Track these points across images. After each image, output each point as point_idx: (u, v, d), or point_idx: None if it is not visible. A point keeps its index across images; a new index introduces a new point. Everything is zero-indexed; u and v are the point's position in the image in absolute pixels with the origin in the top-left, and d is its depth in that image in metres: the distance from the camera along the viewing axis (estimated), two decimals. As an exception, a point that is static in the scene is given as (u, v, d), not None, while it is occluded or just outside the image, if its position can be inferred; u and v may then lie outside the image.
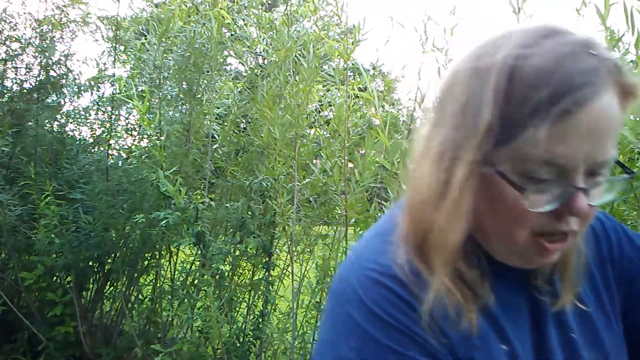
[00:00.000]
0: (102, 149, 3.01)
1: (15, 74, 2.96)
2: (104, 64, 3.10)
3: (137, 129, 3.07)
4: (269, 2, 3.10)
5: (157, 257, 2.93)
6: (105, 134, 2.97)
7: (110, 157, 2.84)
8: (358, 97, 2.37)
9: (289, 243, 2.58)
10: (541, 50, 0.44)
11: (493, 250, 0.52)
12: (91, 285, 3.00)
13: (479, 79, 0.46)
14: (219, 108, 3.01)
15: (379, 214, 2.48)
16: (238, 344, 2.48)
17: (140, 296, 3.01)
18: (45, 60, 2.94)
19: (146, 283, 3.05)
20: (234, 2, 2.90)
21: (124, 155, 3.01)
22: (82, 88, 3.07)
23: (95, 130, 3.12)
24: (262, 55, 3.20)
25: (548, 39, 0.45)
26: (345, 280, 0.52)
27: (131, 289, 2.97)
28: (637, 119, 1.31)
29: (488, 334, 0.50)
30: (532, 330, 0.54)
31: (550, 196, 0.46)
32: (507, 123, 0.44)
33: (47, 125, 3.00)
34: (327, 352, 0.50)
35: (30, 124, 2.92)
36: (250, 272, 2.88)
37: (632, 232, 0.63)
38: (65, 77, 3.02)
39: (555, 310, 0.55)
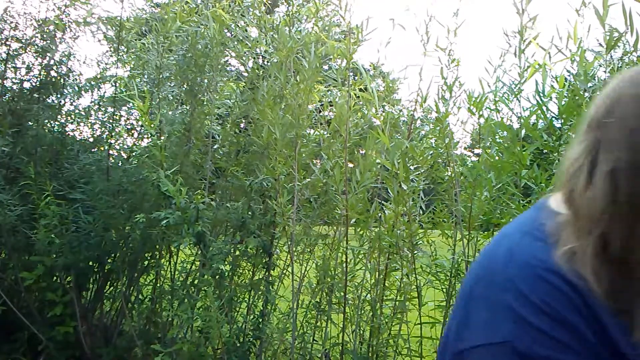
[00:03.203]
0: (102, 149, 3.01)
1: (16, 74, 2.96)
2: (105, 64, 3.11)
3: (138, 129, 3.07)
4: (270, 2, 3.10)
5: (157, 257, 2.92)
6: (106, 134, 2.97)
7: (110, 157, 2.84)
8: (359, 97, 2.37)
9: (289, 243, 2.58)
10: None
11: None
12: (91, 285, 3.00)
13: None
14: (219, 108, 3.01)
15: (379, 214, 2.48)
16: (238, 344, 2.48)
17: (140, 296, 3.01)
18: (46, 60, 2.94)
19: (146, 283, 3.05)
20: (235, 2, 2.90)
21: (124, 155, 3.01)
22: (82, 88, 3.07)
23: (96, 130, 3.12)
24: (262, 56, 3.21)
25: None
26: (501, 271, 0.55)
27: (131, 289, 2.97)
28: None
29: None
30: None
31: None
32: None
33: (48, 125, 3.00)
34: (471, 331, 0.54)
35: (30, 124, 2.92)
36: (251, 272, 2.88)
37: None
38: (66, 77, 3.02)
39: None
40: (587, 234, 0.55)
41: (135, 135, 3.10)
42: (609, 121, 0.54)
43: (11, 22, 2.86)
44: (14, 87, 2.97)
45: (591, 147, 0.56)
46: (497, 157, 1.96)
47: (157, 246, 2.81)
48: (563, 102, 1.63)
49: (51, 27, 2.94)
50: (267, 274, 2.77)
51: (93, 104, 3.11)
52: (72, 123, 3.12)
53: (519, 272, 0.53)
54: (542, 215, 0.60)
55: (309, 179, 2.65)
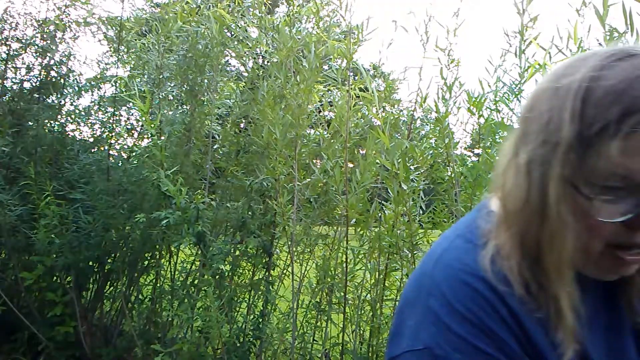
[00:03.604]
0: (102, 149, 3.01)
1: (16, 74, 2.96)
2: (105, 64, 3.11)
3: (138, 129, 3.07)
4: (270, 2, 3.10)
5: (157, 257, 2.92)
6: (106, 134, 2.97)
7: (110, 157, 2.84)
8: (359, 97, 2.37)
9: (289, 243, 2.58)
10: (613, 73, 0.48)
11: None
12: (91, 285, 3.00)
13: (559, 99, 0.50)
14: (219, 108, 3.01)
15: (379, 214, 2.48)
16: (238, 344, 2.48)
17: (140, 296, 3.01)
18: (46, 60, 2.95)
19: (146, 283, 3.05)
20: (235, 2, 2.90)
21: (124, 155, 3.01)
22: (82, 88, 3.07)
23: (96, 130, 3.12)
24: (263, 56, 3.21)
25: (622, 62, 0.49)
26: (428, 275, 0.55)
27: (131, 289, 2.97)
28: None
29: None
30: (608, 339, 0.56)
31: (624, 208, 0.48)
32: (582, 141, 0.48)
33: (48, 125, 3.00)
34: (402, 337, 0.53)
35: (30, 124, 2.92)
36: (251, 272, 2.88)
37: None
38: (66, 77, 3.02)
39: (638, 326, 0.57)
40: (508, 231, 0.54)
41: (135, 135, 3.10)
42: (530, 115, 0.54)
43: (11, 22, 2.87)
44: (14, 87, 2.98)
45: (516, 142, 0.56)
46: (497, 157, 1.96)
47: (157, 246, 2.81)
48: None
49: (51, 27, 2.94)
50: (267, 274, 2.77)
51: (93, 104, 3.11)
52: (72, 123, 3.12)
53: (445, 276, 0.53)
54: (479, 216, 0.59)
55: (309, 179, 2.65)
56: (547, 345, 0.51)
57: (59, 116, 3.06)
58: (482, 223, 0.58)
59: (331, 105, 2.94)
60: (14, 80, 2.96)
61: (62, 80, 3.02)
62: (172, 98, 2.91)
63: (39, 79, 2.97)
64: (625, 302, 0.57)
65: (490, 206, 0.60)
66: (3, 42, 2.87)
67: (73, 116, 3.10)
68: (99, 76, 3.10)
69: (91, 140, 3.12)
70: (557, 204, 0.50)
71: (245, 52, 3.04)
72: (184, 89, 2.92)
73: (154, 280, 2.95)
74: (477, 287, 0.51)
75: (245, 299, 2.85)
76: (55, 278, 2.77)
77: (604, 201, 0.48)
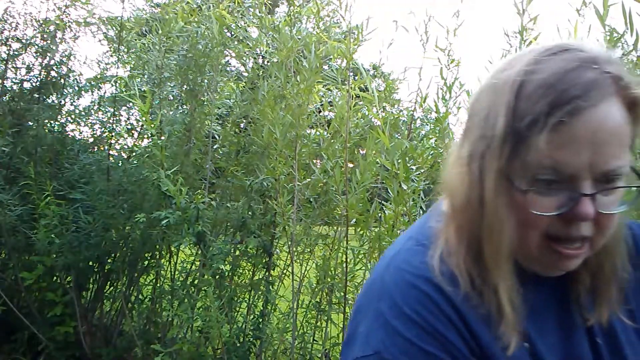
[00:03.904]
0: (102, 149, 3.01)
1: (16, 74, 2.96)
2: (106, 64, 3.11)
3: (138, 129, 3.07)
4: (270, 2, 3.11)
5: (157, 257, 2.92)
6: (106, 134, 2.97)
7: (110, 157, 2.84)
8: (359, 97, 2.37)
9: (289, 243, 2.58)
10: (546, 67, 0.49)
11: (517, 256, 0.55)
12: (91, 285, 3.00)
13: (496, 94, 0.51)
14: (219, 108, 3.02)
15: (379, 214, 2.48)
16: (238, 344, 2.48)
17: (140, 296, 3.01)
18: (46, 60, 2.95)
19: (146, 283, 3.05)
20: (236, 3, 2.91)
21: (124, 155, 3.01)
22: (83, 88, 3.07)
23: (96, 130, 3.12)
24: (263, 56, 3.21)
25: (556, 56, 0.49)
26: (379, 279, 0.55)
27: (131, 289, 2.97)
28: None
29: None
30: (561, 336, 0.56)
31: (558, 201, 0.49)
32: (515, 135, 0.49)
33: (48, 125, 3.00)
34: (355, 343, 0.53)
35: (30, 124, 2.92)
36: (251, 272, 2.88)
37: None
38: (66, 77, 3.02)
39: (588, 323, 0.57)
40: (453, 227, 0.55)
41: (135, 135, 3.10)
42: (472, 111, 0.56)
43: (11, 22, 2.87)
44: (14, 87, 2.97)
45: (461, 138, 0.57)
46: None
47: (157, 246, 2.81)
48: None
49: (52, 28, 2.94)
50: (267, 274, 2.77)
51: (93, 104, 3.11)
52: (72, 123, 3.12)
53: (394, 280, 0.54)
54: (431, 217, 0.60)
55: (309, 179, 2.65)
56: (492, 341, 0.51)
57: (59, 116, 3.06)
58: (434, 223, 0.58)
59: (331, 105, 2.94)
60: (14, 80, 2.96)
61: (62, 80, 3.02)
62: (172, 98, 2.91)
63: (39, 79, 2.97)
64: (574, 299, 0.58)
65: (442, 206, 0.60)
66: (3, 42, 2.87)
67: (73, 116, 3.10)
68: (99, 76, 3.10)
69: (91, 140, 3.12)
70: (494, 197, 0.50)
71: (245, 52, 3.04)
72: (184, 89, 2.92)
73: (154, 280, 2.95)
74: (426, 290, 0.52)
75: (245, 299, 2.85)
76: (55, 278, 2.77)
77: (538, 194, 0.48)
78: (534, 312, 0.55)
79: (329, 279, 2.52)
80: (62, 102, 3.09)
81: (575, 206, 0.48)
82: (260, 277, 2.80)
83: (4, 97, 2.92)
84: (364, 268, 2.49)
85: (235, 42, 3.02)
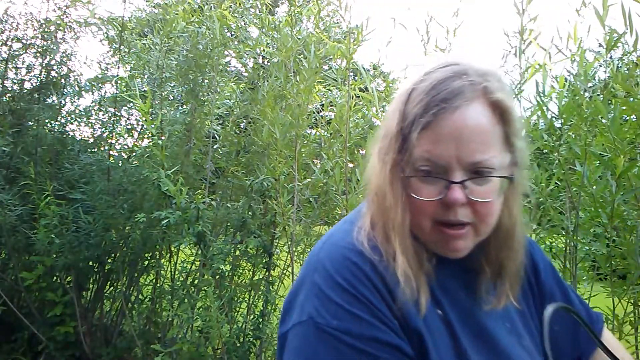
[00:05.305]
0: (102, 149, 3.01)
1: (16, 74, 2.96)
2: (106, 64, 3.11)
3: (138, 129, 3.07)
4: (271, 2, 3.11)
5: (157, 257, 2.93)
6: (106, 134, 2.97)
7: (110, 157, 2.84)
8: (359, 97, 2.37)
9: (290, 243, 2.58)
10: (430, 77, 0.60)
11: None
12: (91, 285, 3.00)
13: (396, 100, 0.64)
14: (220, 108, 3.02)
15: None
16: (238, 344, 2.48)
17: (140, 296, 3.01)
18: (46, 60, 2.95)
19: (146, 283, 3.05)
20: (237, 3, 2.91)
21: (124, 155, 3.01)
22: (83, 88, 3.07)
23: (96, 130, 3.12)
24: (263, 56, 3.21)
25: (442, 69, 0.60)
26: (315, 255, 0.64)
27: (131, 289, 2.97)
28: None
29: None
30: (471, 314, 0.65)
31: (436, 190, 0.59)
32: (402, 133, 0.60)
33: (48, 125, 3.00)
34: (293, 311, 0.60)
35: (31, 124, 2.92)
36: (251, 272, 2.88)
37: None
38: (66, 77, 3.02)
39: (490, 306, 0.66)
40: (371, 207, 0.65)
41: (136, 135, 3.10)
42: (384, 115, 0.68)
43: (12, 23, 2.87)
44: (15, 87, 2.98)
45: (378, 138, 0.67)
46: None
47: (157, 246, 2.81)
48: (563, 102, 1.63)
49: (52, 28, 2.94)
50: (267, 274, 2.77)
51: (94, 104, 3.11)
52: (72, 123, 3.13)
53: (328, 254, 0.62)
54: (364, 202, 0.70)
55: (309, 179, 2.65)
56: (408, 301, 0.59)
57: (60, 116, 3.07)
58: (364, 206, 0.68)
59: (331, 105, 2.94)
60: (14, 80, 2.97)
61: (62, 81, 3.02)
62: (172, 98, 2.91)
63: (39, 79, 2.97)
64: (478, 287, 0.67)
65: None
66: (4, 42, 2.87)
67: (73, 116, 3.10)
68: (99, 76, 3.10)
69: (91, 140, 3.12)
70: (391, 184, 0.61)
71: (245, 52, 3.05)
72: (184, 89, 2.92)
73: (154, 280, 2.95)
74: (355, 260, 0.60)
75: (245, 299, 2.85)
76: (55, 278, 2.77)
77: (421, 182, 0.59)
78: (445, 289, 0.64)
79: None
80: (63, 102, 3.09)
81: (447, 192, 0.57)
82: (261, 277, 2.80)
83: (5, 97, 2.92)
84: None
85: (236, 42, 3.02)
